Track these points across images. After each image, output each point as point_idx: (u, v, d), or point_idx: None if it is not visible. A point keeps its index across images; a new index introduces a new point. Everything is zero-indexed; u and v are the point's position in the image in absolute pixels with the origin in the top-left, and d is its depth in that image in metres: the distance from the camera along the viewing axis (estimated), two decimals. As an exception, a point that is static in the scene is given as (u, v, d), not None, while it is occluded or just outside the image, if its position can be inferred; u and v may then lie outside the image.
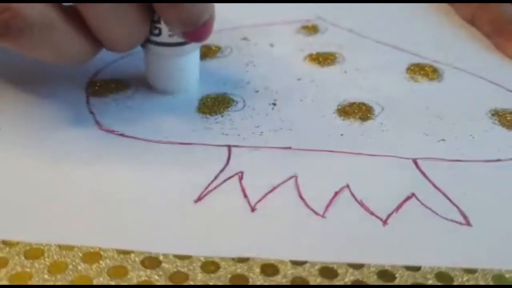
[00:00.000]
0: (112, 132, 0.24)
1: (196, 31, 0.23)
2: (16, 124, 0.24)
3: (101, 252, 0.18)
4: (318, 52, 0.29)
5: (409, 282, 0.18)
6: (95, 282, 0.17)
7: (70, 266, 0.18)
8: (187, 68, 0.25)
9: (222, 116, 0.25)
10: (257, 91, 0.26)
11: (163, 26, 0.23)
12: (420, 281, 0.18)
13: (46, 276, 0.17)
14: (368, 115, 0.25)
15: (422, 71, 0.28)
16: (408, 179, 0.22)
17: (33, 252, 0.18)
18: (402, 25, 0.32)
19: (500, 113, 0.25)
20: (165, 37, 0.24)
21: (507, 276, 0.18)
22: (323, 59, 0.29)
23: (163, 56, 0.24)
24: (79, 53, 0.23)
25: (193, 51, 0.25)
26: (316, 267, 0.18)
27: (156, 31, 0.24)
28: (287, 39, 0.31)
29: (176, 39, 0.24)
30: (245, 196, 0.21)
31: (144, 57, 0.25)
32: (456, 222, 0.20)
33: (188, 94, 0.26)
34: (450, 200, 0.21)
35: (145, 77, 0.26)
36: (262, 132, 0.24)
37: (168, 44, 0.24)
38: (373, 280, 0.18)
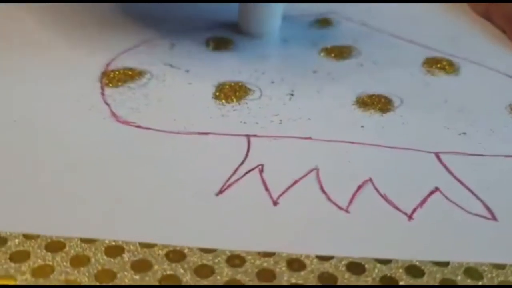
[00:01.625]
0: (128, 124, 0.23)
1: None
2: (31, 117, 0.23)
3: (124, 246, 0.18)
4: (333, 46, 0.29)
5: (438, 278, 0.18)
6: (118, 276, 0.17)
7: (93, 260, 0.17)
8: (275, 13, 0.29)
9: (239, 104, 0.24)
10: (273, 82, 0.26)
11: None
12: (449, 276, 0.18)
13: (68, 270, 0.17)
14: (388, 107, 0.25)
15: (439, 65, 0.28)
16: (431, 173, 0.22)
17: (55, 245, 0.17)
18: (416, 19, 0.32)
19: (518, 108, 0.25)
20: None
21: (538, 272, 0.18)
22: (339, 52, 0.29)
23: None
24: None
25: None
26: (343, 262, 0.18)
27: None
28: (300, 32, 0.30)
29: None
30: (267, 189, 0.20)
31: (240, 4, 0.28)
32: (482, 216, 0.20)
33: (203, 81, 0.25)
34: (475, 195, 0.21)
35: (163, 64, 0.25)
36: (281, 121, 0.23)
37: None
38: (401, 275, 0.17)
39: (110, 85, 0.25)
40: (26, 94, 0.24)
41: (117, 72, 0.25)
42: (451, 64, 0.28)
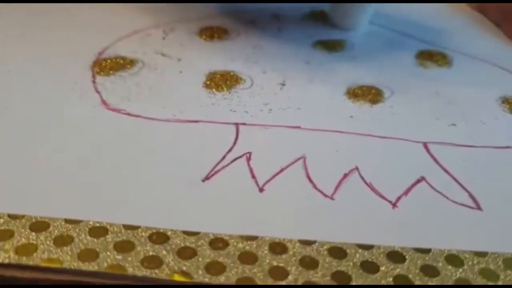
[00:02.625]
0: (118, 111, 0.23)
1: None
2: (22, 104, 0.23)
3: (108, 227, 0.18)
4: (327, 38, 0.29)
5: (419, 264, 0.18)
6: (101, 256, 0.17)
7: (76, 240, 0.17)
8: (367, 7, 0.30)
9: (229, 93, 0.24)
10: (265, 72, 0.26)
11: None
12: (430, 263, 0.18)
13: (51, 248, 0.17)
14: (378, 98, 0.25)
15: (432, 57, 0.28)
16: (418, 163, 0.22)
17: (39, 225, 0.18)
18: (410, 12, 0.32)
19: (510, 101, 0.25)
20: None
21: (518, 259, 0.18)
22: (332, 45, 0.29)
23: None
24: None
25: None
26: (325, 247, 0.18)
27: None
28: (295, 24, 0.30)
29: None
30: (253, 176, 0.21)
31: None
32: (467, 206, 0.20)
33: (195, 70, 0.25)
34: (460, 185, 0.21)
35: (155, 53, 0.25)
36: (270, 110, 0.24)
37: None
38: (383, 261, 0.18)
39: (102, 73, 0.25)
40: (17, 81, 0.25)
41: (109, 61, 0.26)
42: (444, 56, 0.28)
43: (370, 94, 0.25)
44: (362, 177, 0.21)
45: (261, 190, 0.20)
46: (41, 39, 0.27)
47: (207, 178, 0.20)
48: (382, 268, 0.17)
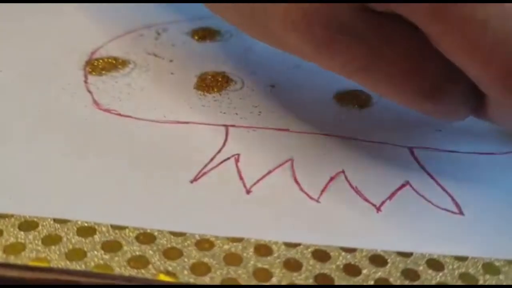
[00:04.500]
0: (109, 111, 0.23)
1: None
2: (13, 102, 0.24)
3: (96, 227, 0.18)
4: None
5: (400, 268, 0.18)
6: (88, 255, 0.17)
7: (64, 239, 0.18)
8: None
9: (220, 95, 0.25)
10: (256, 74, 0.26)
11: None
12: (411, 266, 0.18)
13: (39, 248, 0.17)
14: (367, 102, 0.25)
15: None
16: (403, 167, 0.22)
17: (28, 225, 0.18)
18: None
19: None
20: None
21: (497, 264, 0.18)
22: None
23: None
24: None
25: None
26: (310, 249, 0.18)
27: None
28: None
29: None
30: (241, 178, 0.21)
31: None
32: (449, 211, 0.20)
33: (186, 71, 0.25)
34: (444, 190, 0.21)
35: (147, 54, 0.25)
36: (260, 112, 0.24)
37: None
38: (365, 264, 0.18)
39: (94, 73, 0.25)
40: (9, 80, 0.25)
41: (101, 61, 0.26)
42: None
43: (359, 99, 0.25)
44: (348, 181, 0.21)
45: (248, 192, 0.20)
46: (33, 38, 0.27)
47: (195, 179, 0.21)
48: (364, 271, 0.18)
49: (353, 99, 0.25)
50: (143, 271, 0.17)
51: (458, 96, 0.19)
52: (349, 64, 0.19)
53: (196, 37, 0.29)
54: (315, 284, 0.17)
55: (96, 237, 0.18)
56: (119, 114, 0.23)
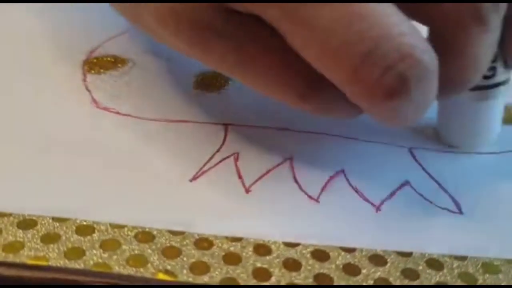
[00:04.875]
0: (108, 110, 0.23)
1: None
2: (12, 100, 0.24)
3: (95, 226, 0.18)
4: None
5: (400, 267, 0.18)
6: (87, 254, 0.17)
7: (63, 238, 0.18)
8: (495, 117, 0.21)
9: (219, 94, 0.25)
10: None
11: (499, 65, 0.20)
12: (411, 266, 0.18)
13: (38, 246, 0.17)
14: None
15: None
16: (403, 167, 0.22)
17: (26, 223, 0.18)
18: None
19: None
20: (499, 77, 0.20)
21: (496, 263, 0.18)
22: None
23: (478, 102, 0.20)
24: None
25: (502, 94, 0.21)
26: (309, 249, 0.18)
27: (490, 73, 0.20)
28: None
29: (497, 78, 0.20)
30: (240, 177, 0.21)
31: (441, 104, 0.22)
32: (449, 210, 0.20)
33: (185, 70, 0.25)
34: (444, 189, 0.21)
35: (146, 53, 0.25)
36: (259, 111, 0.24)
37: (492, 86, 0.20)
38: (364, 264, 0.18)
39: (92, 72, 0.25)
40: (7, 78, 0.25)
41: (99, 59, 0.26)
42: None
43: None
44: (347, 180, 0.21)
45: (247, 191, 0.20)
46: (32, 37, 0.27)
47: (194, 178, 0.21)
48: (364, 271, 0.18)
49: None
50: (142, 270, 0.17)
51: (336, 93, 0.18)
52: (223, 61, 0.19)
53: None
54: (315, 283, 0.17)
55: (95, 235, 0.18)
56: (118, 113, 0.23)
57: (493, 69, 0.20)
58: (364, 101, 0.17)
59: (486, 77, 0.20)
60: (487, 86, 0.20)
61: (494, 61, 0.19)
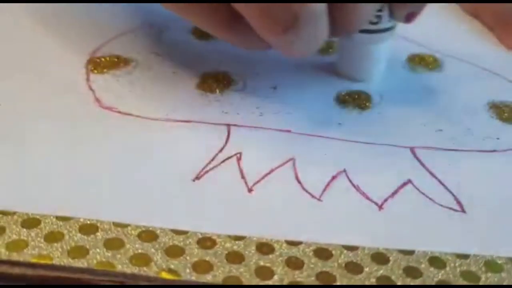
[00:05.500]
0: (111, 109, 0.24)
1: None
2: (16, 99, 0.24)
3: (98, 224, 0.18)
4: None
5: (402, 265, 0.18)
6: (91, 253, 0.17)
7: (67, 237, 0.18)
8: (381, 56, 0.26)
9: (222, 95, 0.25)
10: (258, 74, 0.26)
11: (385, 14, 0.24)
12: (413, 264, 0.18)
13: (41, 245, 0.17)
14: (367, 104, 0.25)
15: (423, 61, 0.28)
16: (405, 167, 0.22)
17: (30, 222, 0.18)
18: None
19: (498, 107, 0.26)
20: (384, 23, 0.24)
21: (499, 262, 0.18)
22: (326, 47, 0.29)
23: (364, 43, 0.25)
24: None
25: (388, 39, 0.25)
26: (311, 248, 0.18)
27: (376, 19, 0.24)
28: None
29: (382, 25, 0.24)
30: (243, 177, 0.21)
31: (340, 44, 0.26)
32: (451, 209, 0.20)
33: (188, 70, 0.26)
34: (446, 188, 0.21)
35: (149, 53, 0.25)
36: (261, 113, 0.24)
37: (376, 31, 0.24)
38: (367, 262, 0.18)
39: (96, 71, 0.25)
40: (11, 78, 0.25)
41: (103, 59, 0.26)
42: (435, 60, 0.28)
43: (359, 100, 0.25)
44: (350, 180, 0.21)
45: (250, 190, 0.20)
46: (36, 36, 0.27)
47: (197, 178, 0.21)
48: (366, 269, 0.18)
49: (354, 100, 0.25)
50: (145, 268, 0.17)
51: (251, 28, 0.21)
52: None
53: (198, 36, 0.29)
54: (317, 282, 0.17)
55: (99, 234, 0.18)
56: (121, 112, 0.23)
57: (379, 17, 0.24)
58: (268, 35, 0.21)
59: (372, 23, 0.24)
60: (373, 31, 0.25)
61: (380, 10, 0.24)
